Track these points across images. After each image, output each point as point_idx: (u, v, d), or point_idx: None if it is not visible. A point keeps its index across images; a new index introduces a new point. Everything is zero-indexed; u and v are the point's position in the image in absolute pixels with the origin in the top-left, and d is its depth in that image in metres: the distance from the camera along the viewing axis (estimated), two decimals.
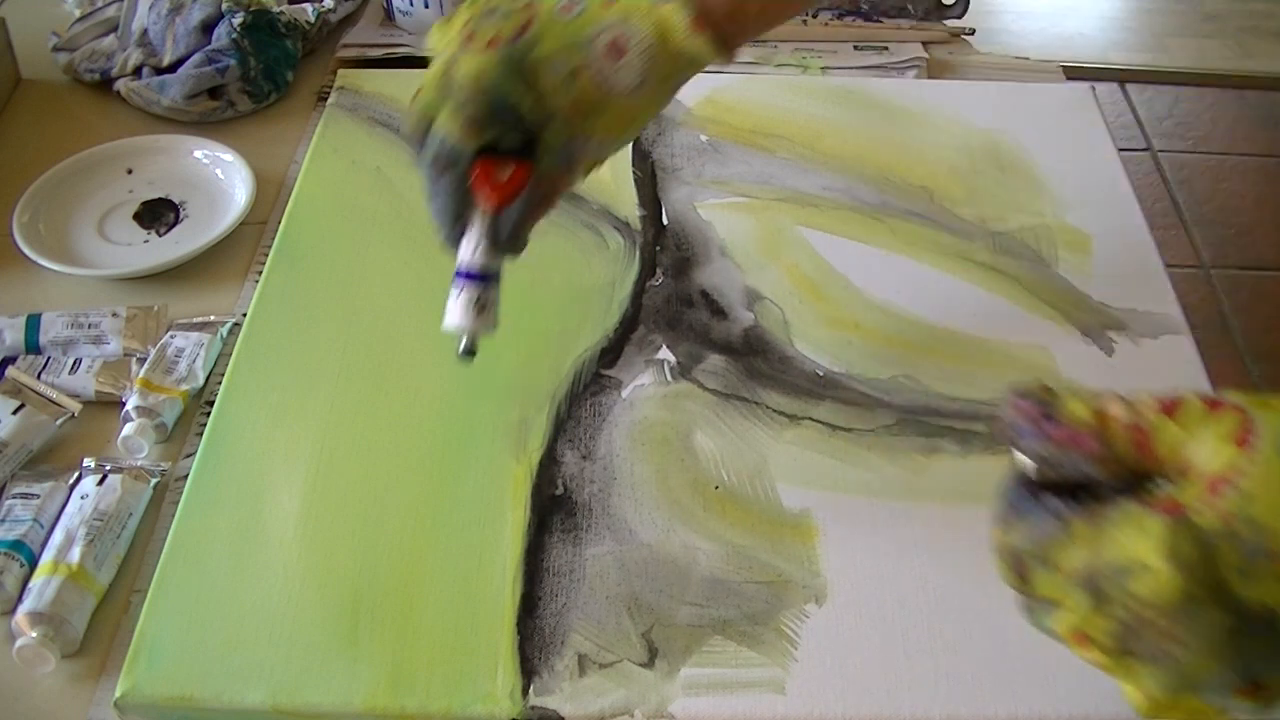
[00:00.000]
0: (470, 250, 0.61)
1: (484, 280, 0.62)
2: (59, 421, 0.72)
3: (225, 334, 0.78)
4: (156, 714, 0.59)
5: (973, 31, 1.10)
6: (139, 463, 0.70)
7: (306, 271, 0.81)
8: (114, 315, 0.79)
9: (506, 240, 0.61)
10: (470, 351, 0.63)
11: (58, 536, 0.65)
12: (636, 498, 0.67)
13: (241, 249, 0.86)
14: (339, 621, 0.62)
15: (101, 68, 1.01)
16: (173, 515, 0.67)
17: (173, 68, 0.98)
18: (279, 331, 0.77)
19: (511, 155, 0.59)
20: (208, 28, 0.98)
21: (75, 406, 0.73)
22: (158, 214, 0.89)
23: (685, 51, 0.57)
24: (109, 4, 1.07)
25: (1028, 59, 1.06)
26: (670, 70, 0.58)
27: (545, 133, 0.59)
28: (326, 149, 0.91)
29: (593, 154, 0.61)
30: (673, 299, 0.79)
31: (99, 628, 0.64)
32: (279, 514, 0.66)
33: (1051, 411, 0.46)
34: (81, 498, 0.67)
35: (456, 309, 0.62)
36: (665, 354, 0.75)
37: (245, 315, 0.78)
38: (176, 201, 0.90)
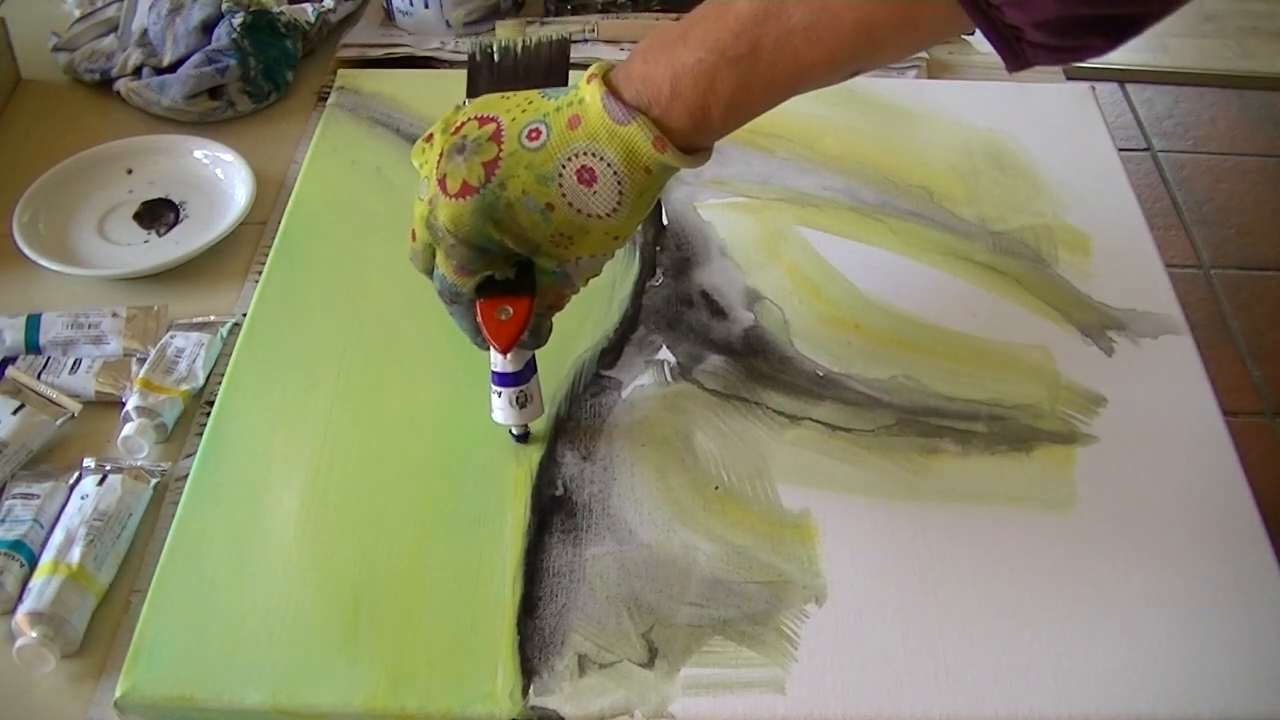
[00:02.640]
0: (500, 358, 0.65)
1: (519, 379, 0.66)
2: (59, 421, 0.72)
3: (225, 334, 0.78)
4: (156, 714, 0.59)
5: (973, 31, 1.09)
6: (139, 463, 0.70)
7: (306, 271, 0.81)
8: (114, 315, 0.79)
9: (528, 340, 0.64)
10: (524, 436, 0.70)
11: (58, 536, 0.65)
12: (636, 498, 0.67)
13: (241, 249, 0.87)
14: (339, 621, 0.62)
15: (101, 68, 1.01)
16: (173, 515, 0.67)
17: (173, 68, 0.98)
18: (279, 331, 0.77)
19: (509, 287, 0.61)
20: (208, 28, 0.98)
21: (75, 406, 0.73)
22: (158, 214, 0.89)
23: (654, 168, 0.57)
24: (109, 4, 1.07)
25: None
26: (645, 185, 0.58)
27: (536, 259, 0.61)
28: (326, 149, 0.91)
29: (588, 269, 0.62)
30: (673, 299, 0.79)
31: (99, 628, 0.64)
32: (279, 514, 0.66)
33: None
34: (81, 498, 0.67)
35: (501, 409, 0.67)
36: (665, 354, 0.75)
37: (245, 315, 0.78)
38: (176, 201, 0.90)
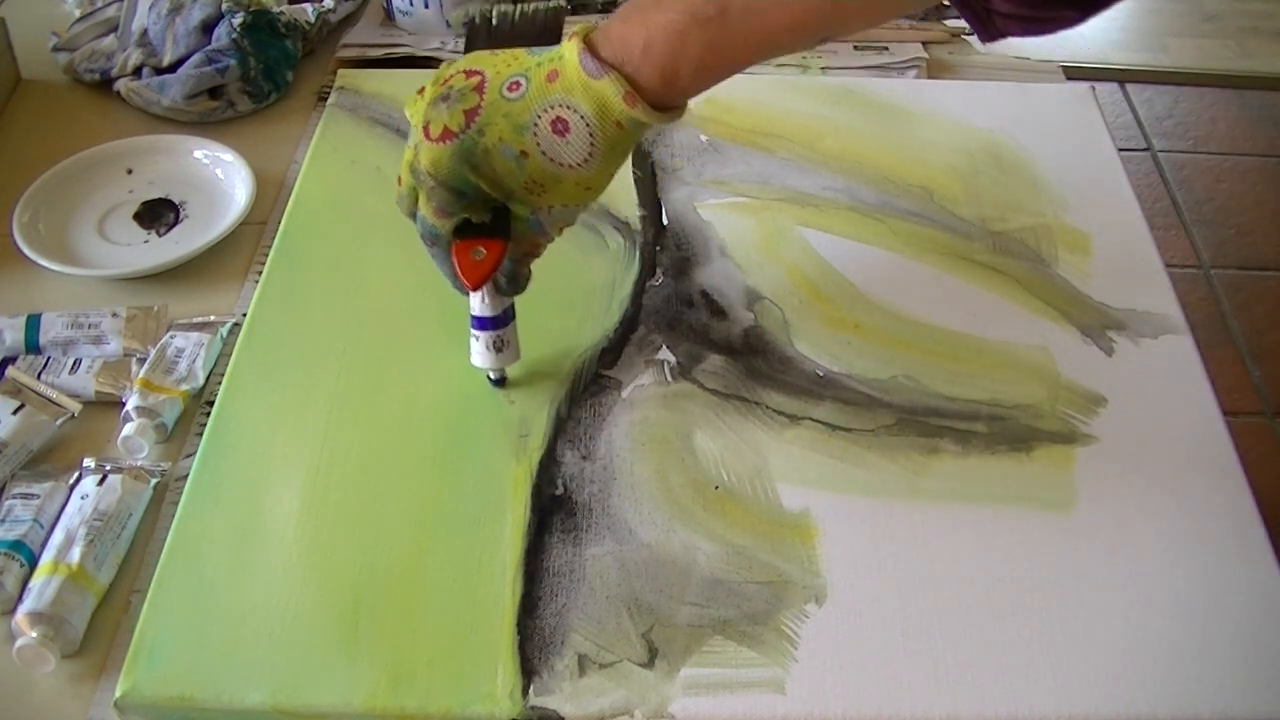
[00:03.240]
0: (479, 301, 0.69)
1: (497, 324, 0.70)
2: (59, 421, 0.72)
3: (225, 334, 0.78)
4: (156, 714, 0.59)
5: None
6: (139, 463, 0.70)
7: (306, 271, 0.81)
8: (114, 315, 0.79)
9: (506, 287, 0.68)
10: (501, 381, 0.73)
11: (58, 536, 0.65)
12: (636, 498, 0.67)
13: (241, 249, 0.86)
14: (339, 621, 0.62)
15: (101, 68, 1.01)
16: (173, 515, 0.67)
17: (173, 68, 0.98)
18: (279, 331, 0.76)
19: (485, 230, 0.64)
20: (208, 28, 0.98)
21: (75, 406, 0.73)
22: (158, 214, 0.89)
23: (625, 122, 0.59)
24: (109, 4, 1.07)
25: (1028, 59, 1.06)
26: (616, 139, 0.60)
27: (511, 205, 0.64)
28: (326, 149, 0.91)
29: (561, 218, 0.64)
30: (673, 299, 0.79)
31: (99, 628, 0.64)
32: (279, 514, 0.66)
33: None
34: (81, 498, 0.67)
35: (478, 352, 0.71)
36: (665, 354, 0.75)
37: (245, 315, 0.78)
38: (176, 201, 0.90)
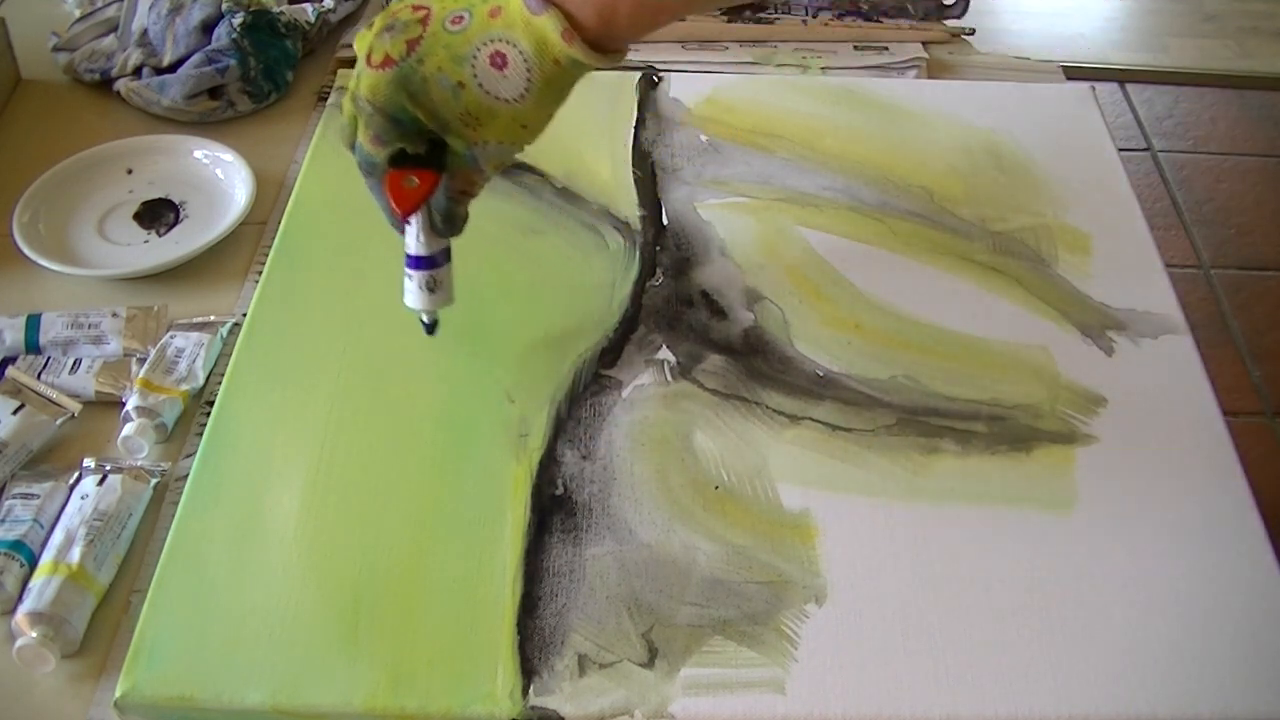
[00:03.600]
0: (413, 239, 0.68)
1: (430, 264, 0.69)
2: (59, 421, 0.72)
3: (225, 334, 0.78)
4: (156, 714, 0.59)
5: (973, 31, 1.10)
6: (139, 463, 0.70)
7: (306, 271, 0.81)
8: (114, 315, 0.79)
9: (441, 225, 0.67)
10: (432, 325, 0.72)
11: (58, 536, 0.65)
12: (636, 498, 0.67)
13: (241, 249, 0.86)
14: (339, 621, 0.62)
15: (101, 68, 1.01)
16: (173, 515, 0.67)
17: (173, 68, 0.98)
18: (279, 331, 0.76)
19: (421, 161, 0.65)
20: (208, 28, 0.98)
21: (75, 406, 0.73)
22: (158, 214, 0.89)
23: (563, 59, 0.60)
24: (109, 4, 1.07)
25: (1028, 59, 1.06)
26: (552, 76, 0.61)
27: (448, 138, 0.64)
28: (326, 149, 0.90)
29: (496, 155, 0.65)
30: (673, 299, 0.79)
31: (99, 628, 0.64)
32: (279, 514, 0.66)
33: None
34: (81, 498, 0.67)
35: (411, 292, 0.69)
36: (665, 354, 0.75)
37: (245, 315, 0.78)
38: (176, 201, 0.90)
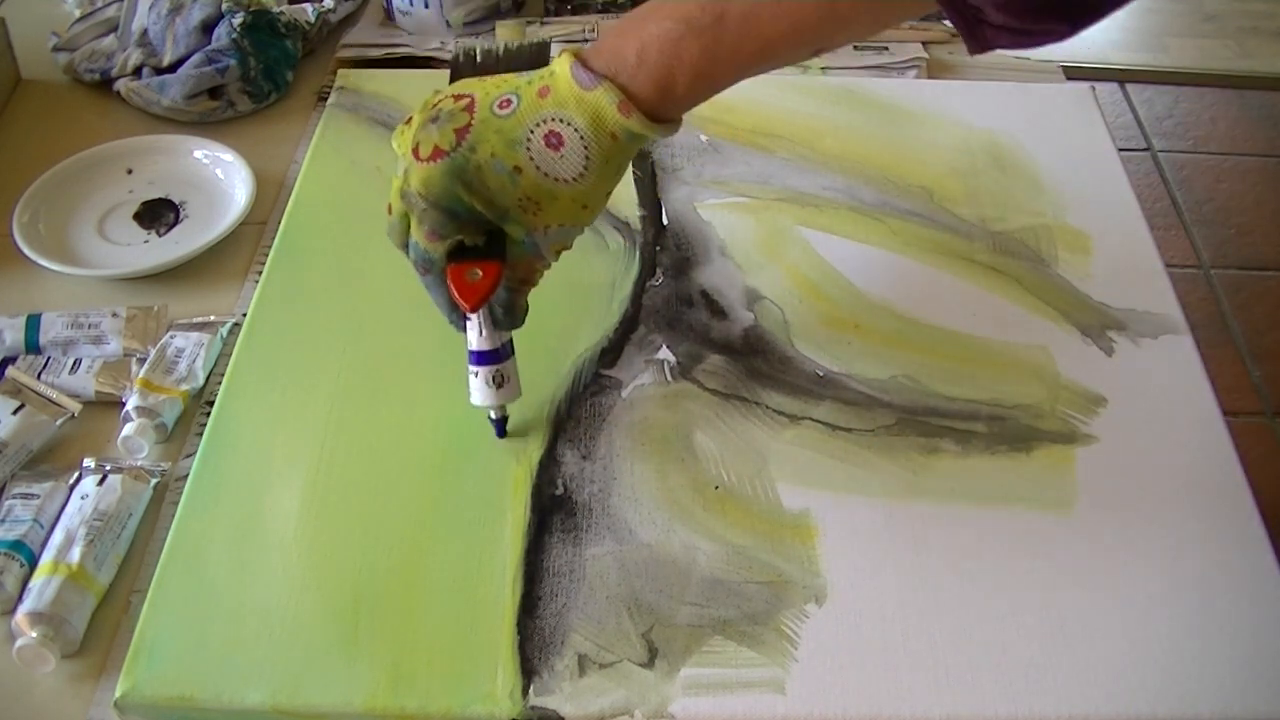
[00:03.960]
0: (475, 334, 0.66)
1: (495, 358, 0.67)
2: (59, 421, 0.72)
3: (225, 334, 0.78)
4: (156, 714, 0.59)
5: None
6: (139, 463, 0.70)
7: (306, 271, 0.81)
8: (114, 315, 0.79)
9: (503, 318, 0.66)
10: (502, 423, 0.69)
11: (58, 536, 0.65)
12: (636, 498, 0.67)
13: (241, 249, 0.87)
14: (339, 621, 0.62)
15: (101, 68, 1.01)
16: (173, 515, 0.67)
17: (173, 68, 0.98)
18: (279, 331, 0.76)
19: (481, 252, 0.62)
20: (208, 28, 0.98)
21: (75, 406, 0.73)
22: (158, 214, 0.89)
23: (619, 134, 0.58)
24: (109, 4, 1.07)
25: (1028, 59, 1.06)
26: (611, 152, 0.59)
27: (506, 226, 0.62)
28: (326, 149, 0.91)
29: (557, 239, 0.63)
30: (673, 299, 0.79)
31: (99, 628, 0.64)
32: (279, 514, 0.66)
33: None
34: (81, 498, 0.67)
35: (478, 389, 0.68)
36: (665, 354, 0.75)
37: (245, 315, 0.78)
38: (176, 201, 0.90)
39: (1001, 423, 0.72)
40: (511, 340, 0.68)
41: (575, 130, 0.58)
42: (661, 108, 0.58)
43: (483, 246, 0.62)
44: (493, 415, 0.70)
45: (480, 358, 0.67)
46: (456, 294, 0.62)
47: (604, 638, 0.61)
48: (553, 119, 0.58)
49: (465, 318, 0.66)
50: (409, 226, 0.63)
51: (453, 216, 0.61)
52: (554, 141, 0.59)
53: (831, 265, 0.82)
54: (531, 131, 0.59)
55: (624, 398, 0.73)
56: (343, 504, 0.67)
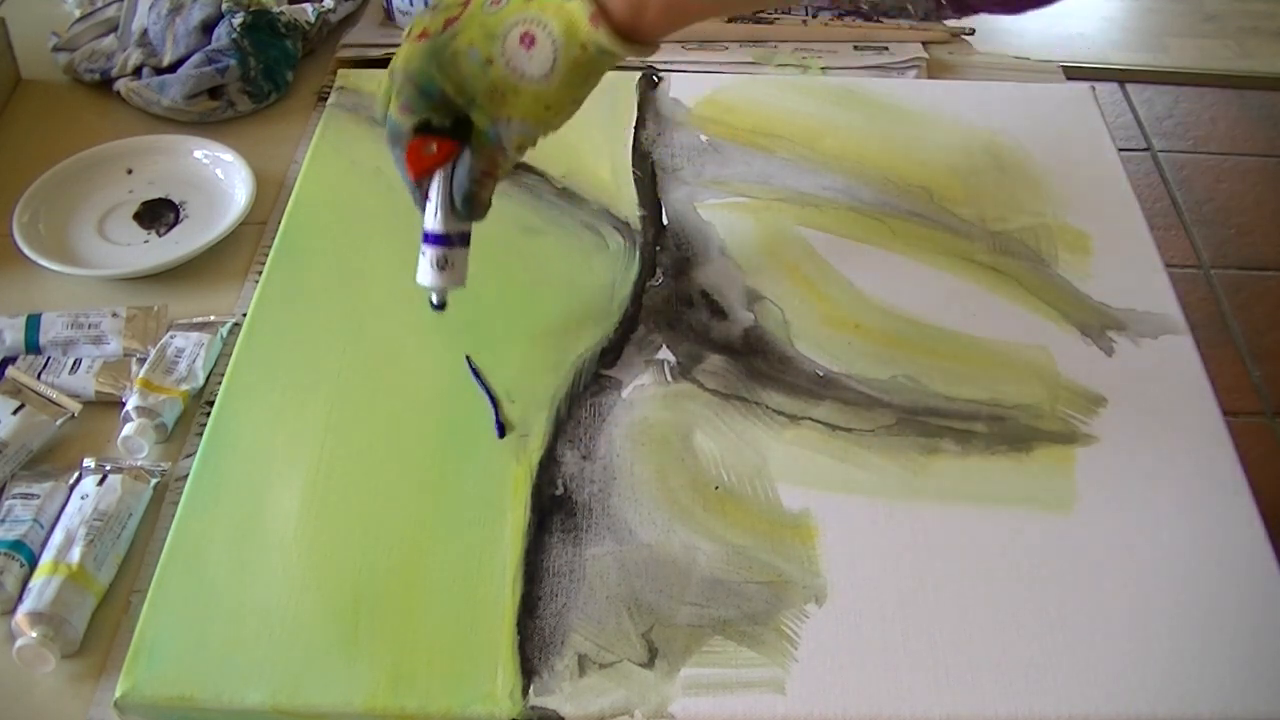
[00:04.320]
0: (431, 215, 0.69)
1: (445, 242, 0.69)
2: (59, 421, 0.72)
3: (225, 334, 0.78)
4: (156, 714, 0.59)
5: (973, 31, 1.10)
6: (139, 463, 0.70)
7: (306, 271, 0.81)
8: (114, 315, 0.79)
9: (460, 206, 0.68)
10: (440, 305, 0.72)
11: (58, 536, 0.65)
12: (636, 498, 0.67)
13: (241, 249, 0.87)
14: (339, 621, 0.62)
15: (101, 68, 1.01)
16: (173, 515, 0.67)
17: (173, 68, 0.98)
18: (279, 331, 0.76)
19: (443, 131, 0.66)
20: (208, 28, 0.98)
21: (75, 406, 0.73)
22: (158, 214, 0.89)
23: (590, 44, 0.62)
24: (109, 4, 1.07)
25: (1028, 59, 1.06)
26: (579, 60, 0.63)
27: (472, 114, 0.66)
28: (326, 149, 0.91)
29: (518, 134, 0.66)
30: (673, 299, 0.79)
31: (99, 628, 0.64)
32: (279, 514, 0.66)
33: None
34: (81, 498, 0.67)
35: (423, 268, 0.70)
36: (665, 354, 0.75)
37: (245, 315, 0.78)
38: (176, 201, 0.90)
39: (1001, 423, 0.72)
40: (468, 233, 0.70)
41: (548, 34, 0.62)
42: (633, 29, 0.62)
43: (448, 128, 0.66)
44: (433, 299, 0.72)
45: (431, 238, 0.69)
46: (409, 160, 0.66)
47: (604, 638, 0.61)
48: (532, 20, 0.63)
49: (426, 197, 0.68)
50: (389, 101, 0.67)
51: (425, 94, 0.65)
52: (527, 41, 0.63)
53: (831, 265, 0.82)
54: (510, 29, 0.63)
55: (624, 398, 0.73)
56: (342, 504, 0.67)
